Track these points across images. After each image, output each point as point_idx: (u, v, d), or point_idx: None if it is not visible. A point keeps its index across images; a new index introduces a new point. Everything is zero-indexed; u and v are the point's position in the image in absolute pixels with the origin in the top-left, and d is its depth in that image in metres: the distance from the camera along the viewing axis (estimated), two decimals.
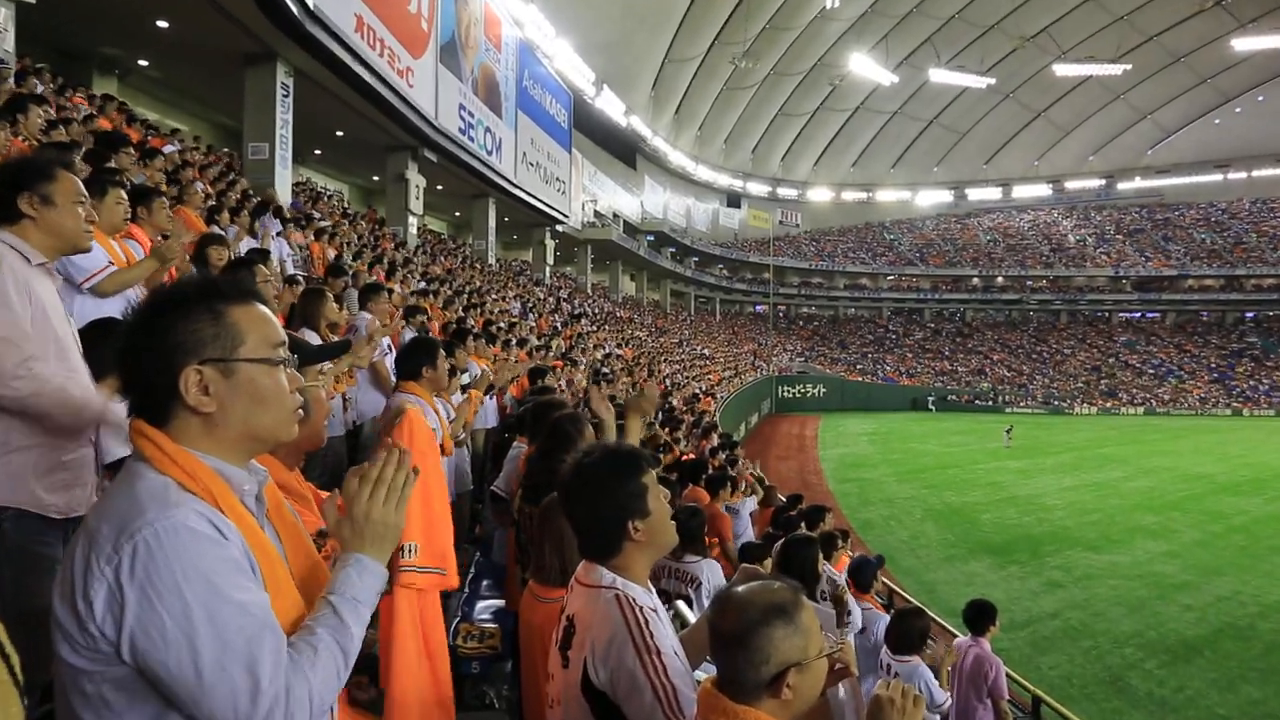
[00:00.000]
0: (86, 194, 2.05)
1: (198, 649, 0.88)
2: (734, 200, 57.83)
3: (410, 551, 1.57)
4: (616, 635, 1.39)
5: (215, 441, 1.02)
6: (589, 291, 33.39)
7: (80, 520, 1.78)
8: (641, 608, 1.43)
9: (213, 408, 1.00)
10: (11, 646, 0.61)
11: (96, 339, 2.08)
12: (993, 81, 52.86)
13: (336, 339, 4.09)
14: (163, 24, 12.88)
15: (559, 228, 29.50)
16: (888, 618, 4.57)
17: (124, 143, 6.27)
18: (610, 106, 36.37)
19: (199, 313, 1.01)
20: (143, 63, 14.81)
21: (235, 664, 0.90)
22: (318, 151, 20.64)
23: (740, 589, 1.31)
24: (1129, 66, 50.57)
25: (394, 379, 4.22)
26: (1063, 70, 52.02)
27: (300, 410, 1.11)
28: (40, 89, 8.54)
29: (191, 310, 1.01)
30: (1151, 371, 48.87)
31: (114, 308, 2.61)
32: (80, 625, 0.89)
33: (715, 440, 11.47)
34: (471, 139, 20.25)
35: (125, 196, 3.03)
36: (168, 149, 9.67)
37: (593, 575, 1.51)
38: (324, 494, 1.89)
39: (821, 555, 3.97)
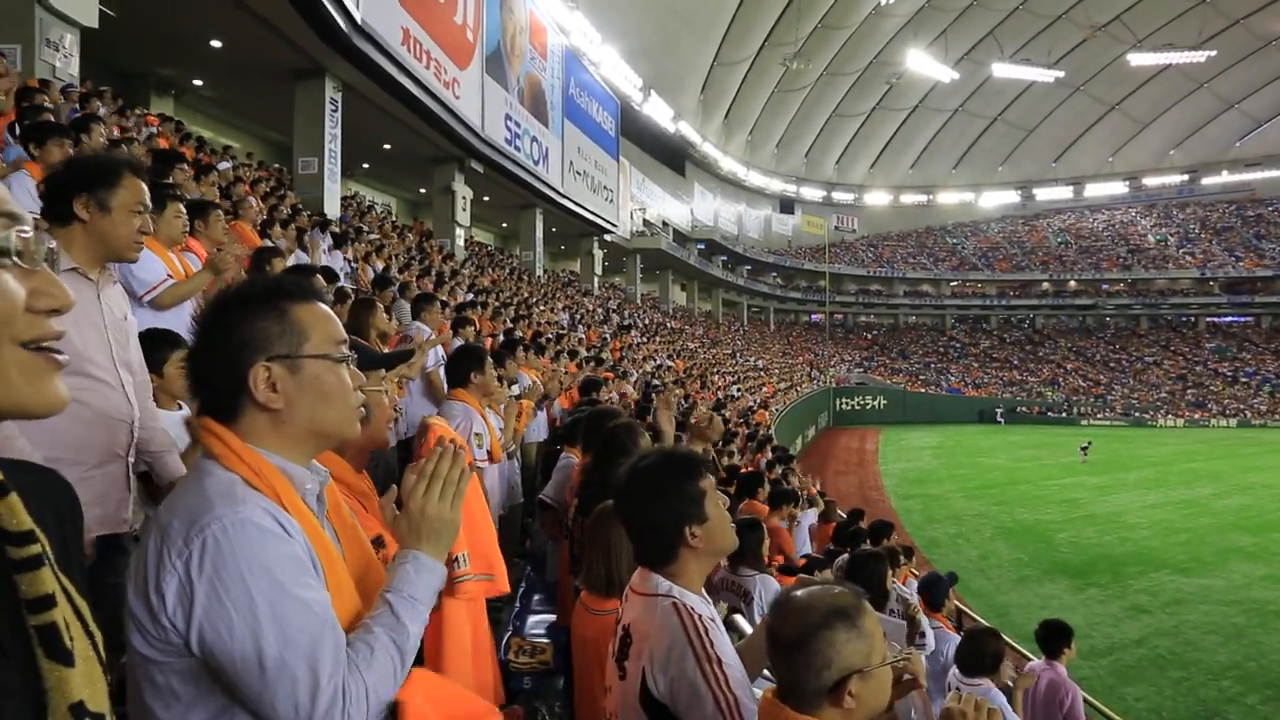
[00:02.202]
0: (148, 203, 1.99)
1: (261, 643, 0.90)
2: (787, 206, 57.04)
3: (462, 561, 1.62)
4: (676, 644, 1.37)
5: (281, 439, 1.04)
6: (638, 302, 33.26)
7: (109, 539, 1.91)
8: (700, 616, 1.41)
9: (280, 404, 1.03)
10: (96, 626, 0.65)
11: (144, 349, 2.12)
12: (1061, 74, 50.77)
13: (386, 349, 4.14)
14: (216, 44, 13.34)
15: (607, 237, 29.52)
16: (958, 638, 4.35)
17: (179, 159, 6.61)
18: (658, 113, 36.28)
19: (265, 310, 1.04)
20: (197, 82, 15.39)
21: (297, 660, 0.91)
22: (365, 165, 21.11)
23: (800, 593, 1.28)
24: (1213, 53, 47.81)
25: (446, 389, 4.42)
26: (1138, 60, 49.53)
27: (362, 409, 1.12)
28: (102, 110, 8.83)
29: (257, 308, 1.04)
30: (1245, 380, 45.74)
31: (171, 320, 2.66)
32: (152, 617, 0.91)
33: (770, 454, 11.10)
34: (518, 149, 20.33)
35: (184, 210, 3.14)
36: (222, 166, 9.98)
37: (649, 584, 1.49)
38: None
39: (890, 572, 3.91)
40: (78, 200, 1.87)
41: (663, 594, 1.45)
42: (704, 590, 1.54)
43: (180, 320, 2.61)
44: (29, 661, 0.58)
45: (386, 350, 4.06)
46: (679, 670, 1.35)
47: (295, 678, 0.91)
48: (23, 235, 0.58)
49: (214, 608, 0.90)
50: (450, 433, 1.93)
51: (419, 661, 1.70)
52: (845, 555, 5.02)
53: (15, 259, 0.57)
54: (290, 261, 5.90)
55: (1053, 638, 4.39)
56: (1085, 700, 4.54)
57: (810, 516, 7.91)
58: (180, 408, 2.44)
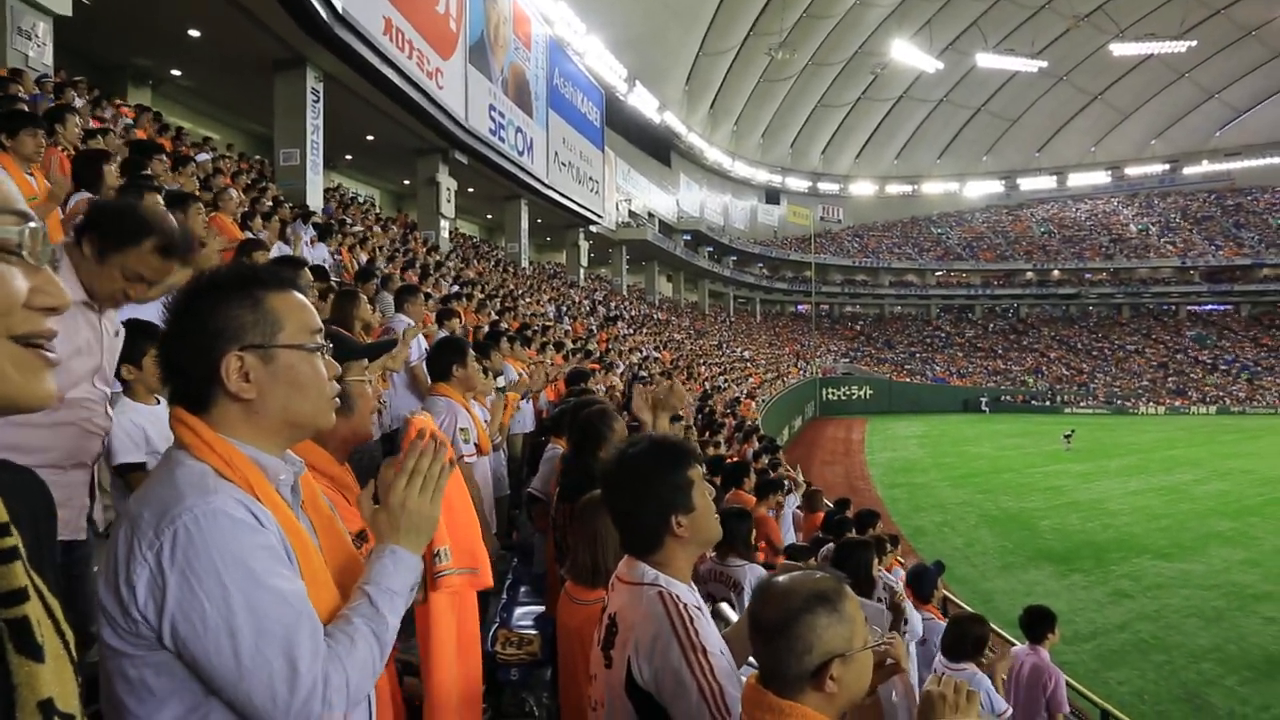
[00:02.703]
0: (154, 278, 1.97)
1: (236, 635, 0.89)
2: (773, 196, 56.99)
3: (444, 555, 1.56)
4: (661, 633, 1.36)
5: (254, 429, 1.02)
6: (625, 293, 33.13)
7: (67, 545, 1.93)
8: (686, 605, 1.40)
9: (253, 394, 1.01)
10: (67, 624, 0.65)
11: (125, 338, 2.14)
12: (1045, 64, 50.97)
13: (370, 340, 4.15)
14: (194, 33, 13.07)
15: (593, 228, 29.33)
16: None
17: (157, 151, 6.53)
18: (643, 103, 36.07)
19: (238, 299, 1.02)
20: (175, 72, 15.08)
21: (273, 650, 0.90)
22: (348, 156, 20.83)
23: (782, 578, 1.28)
24: (1194, 43, 48.12)
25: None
26: (1121, 50, 49.83)
27: (337, 399, 1.11)
28: (77, 101, 8.65)
29: (231, 297, 1.02)
30: (1224, 368, 46.38)
31: (151, 313, 2.61)
32: (123, 609, 0.90)
33: (757, 444, 11.12)
34: (502, 140, 20.15)
35: (161, 201, 3.15)
36: (200, 158, 9.82)
37: (634, 572, 1.48)
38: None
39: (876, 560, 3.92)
40: (86, 235, 1.90)
41: (649, 583, 1.44)
42: (690, 580, 1.53)
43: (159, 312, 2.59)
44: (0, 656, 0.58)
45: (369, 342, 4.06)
46: (664, 659, 1.35)
47: (272, 668, 0.90)
48: (31, 231, 0.59)
49: (186, 599, 0.88)
50: (432, 426, 1.90)
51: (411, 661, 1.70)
52: (831, 544, 5.05)
53: (24, 254, 0.59)
54: (273, 254, 5.86)
55: (1036, 623, 4.41)
56: (1069, 684, 4.58)
57: (793, 501, 7.91)
58: (158, 402, 2.41)
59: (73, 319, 1.85)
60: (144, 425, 2.33)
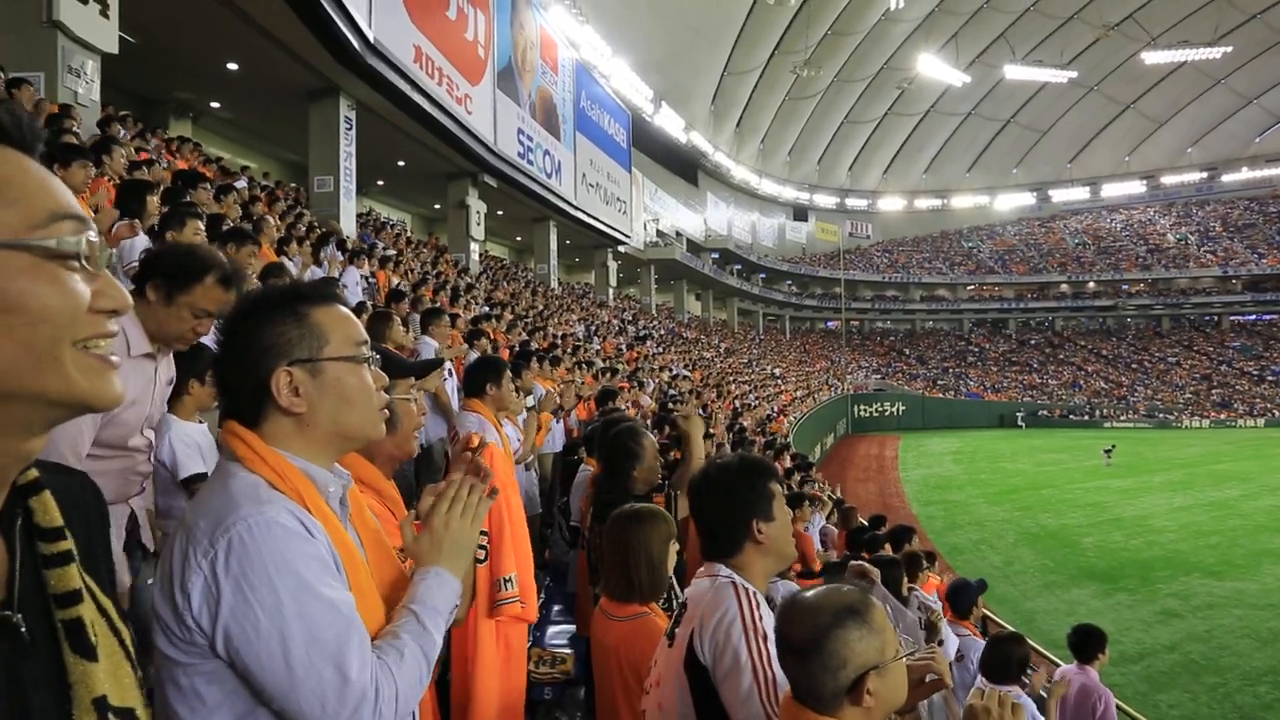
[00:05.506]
0: (215, 310, 1.99)
1: (288, 643, 0.90)
2: (800, 213, 56.81)
3: (511, 584, 1.66)
4: (728, 612, 1.43)
5: (305, 442, 1.05)
6: (654, 313, 33.18)
7: None
8: (755, 593, 1.48)
9: (303, 408, 1.03)
10: (123, 622, 0.67)
11: (181, 362, 2.22)
12: (1075, 75, 50.30)
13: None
14: (232, 66, 13.51)
15: (621, 249, 29.51)
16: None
17: (201, 180, 6.78)
18: (669, 123, 36.36)
19: (283, 315, 1.05)
20: (215, 104, 15.60)
21: (323, 659, 0.91)
22: (380, 182, 21.29)
23: (808, 594, 1.29)
24: (1229, 49, 47.07)
25: (454, 404, 4.50)
26: (1153, 58, 48.94)
27: (385, 411, 1.13)
28: (122, 134, 9.03)
29: (276, 314, 1.05)
30: (1272, 378, 44.75)
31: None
32: (177, 617, 0.91)
33: (789, 462, 11.06)
34: (531, 163, 20.45)
35: (202, 228, 3.27)
36: (239, 184, 10.16)
37: (712, 569, 1.57)
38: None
39: (908, 578, 3.90)
40: (151, 282, 1.95)
41: (724, 576, 1.53)
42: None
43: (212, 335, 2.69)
44: (56, 655, 0.60)
45: None
46: (725, 636, 1.40)
47: (322, 677, 0.91)
48: (90, 240, 0.60)
49: (240, 607, 0.90)
50: (497, 452, 1.92)
51: (446, 673, 1.72)
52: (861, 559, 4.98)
53: (84, 262, 0.59)
54: (307, 276, 6.03)
55: (1086, 643, 4.30)
56: (1118, 706, 4.45)
57: (818, 520, 7.85)
58: (201, 421, 2.51)
59: (128, 371, 1.87)
60: (197, 440, 2.46)
